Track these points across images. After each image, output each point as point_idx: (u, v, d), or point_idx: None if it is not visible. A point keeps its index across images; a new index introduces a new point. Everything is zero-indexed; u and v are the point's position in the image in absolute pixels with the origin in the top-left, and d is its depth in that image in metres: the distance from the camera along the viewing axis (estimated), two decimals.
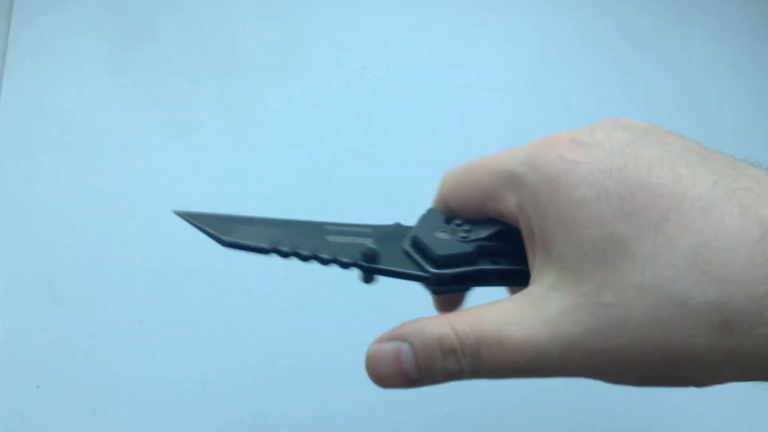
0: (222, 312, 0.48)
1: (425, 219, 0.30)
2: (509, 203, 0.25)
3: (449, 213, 0.29)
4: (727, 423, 0.49)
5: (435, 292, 0.29)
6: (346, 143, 0.54)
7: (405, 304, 0.49)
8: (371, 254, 0.27)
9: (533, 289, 0.23)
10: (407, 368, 0.23)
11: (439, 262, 0.27)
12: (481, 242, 0.28)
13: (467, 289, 0.29)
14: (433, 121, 0.55)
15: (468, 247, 0.27)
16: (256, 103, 0.54)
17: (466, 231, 0.28)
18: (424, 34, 0.58)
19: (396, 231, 0.30)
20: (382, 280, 0.28)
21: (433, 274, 0.27)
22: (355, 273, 0.27)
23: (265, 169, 0.52)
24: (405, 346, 0.24)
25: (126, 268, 0.49)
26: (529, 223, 0.24)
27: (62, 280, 0.48)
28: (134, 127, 0.53)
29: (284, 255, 0.27)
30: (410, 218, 0.31)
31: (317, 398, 0.47)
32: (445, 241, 0.28)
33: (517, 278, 0.28)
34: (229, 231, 0.28)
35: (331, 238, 0.29)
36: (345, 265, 0.27)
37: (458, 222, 0.29)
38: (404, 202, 0.40)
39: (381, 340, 0.25)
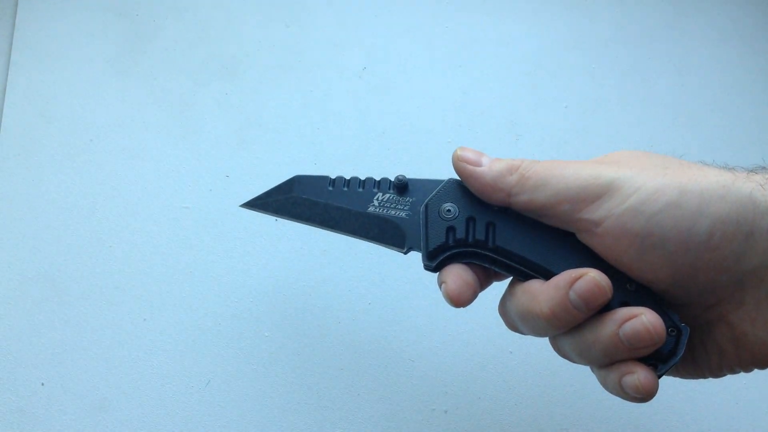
0: (224, 310, 0.49)
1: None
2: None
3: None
4: (726, 421, 0.49)
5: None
6: (347, 144, 0.54)
7: (406, 311, 0.50)
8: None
9: None
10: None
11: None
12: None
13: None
14: (432, 122, 0.56)
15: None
16: (257, 104, 0.55)
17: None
18: (423, 35, 0.59)
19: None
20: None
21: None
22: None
23: (267, 170, 0.53)
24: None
25: (129, 267, 0.49)
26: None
27: (66, 278, 0.49)
28: (137, 127, 0.53)
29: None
30: None
31: (318, 396, 0.47)
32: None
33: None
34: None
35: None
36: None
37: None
38: None
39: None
